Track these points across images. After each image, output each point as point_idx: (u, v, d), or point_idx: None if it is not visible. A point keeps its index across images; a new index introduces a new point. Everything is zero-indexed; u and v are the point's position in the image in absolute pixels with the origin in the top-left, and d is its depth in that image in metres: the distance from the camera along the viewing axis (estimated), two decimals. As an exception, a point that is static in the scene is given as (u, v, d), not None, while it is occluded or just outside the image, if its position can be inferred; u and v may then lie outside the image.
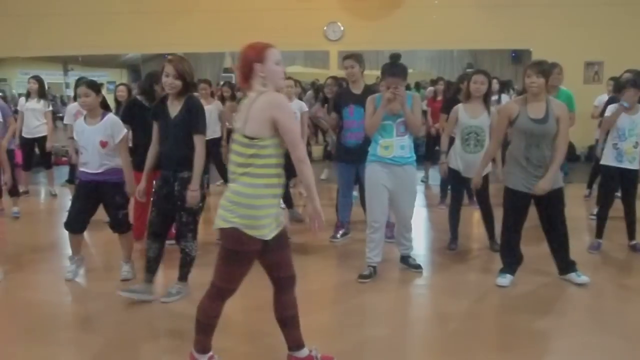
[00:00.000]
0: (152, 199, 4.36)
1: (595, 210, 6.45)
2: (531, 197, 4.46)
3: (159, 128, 4.29)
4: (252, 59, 2.89)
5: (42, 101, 7.88)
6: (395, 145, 4.60)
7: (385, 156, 4.61)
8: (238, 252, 2.90)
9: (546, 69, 4.42)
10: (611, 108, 5.41)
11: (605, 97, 7.60)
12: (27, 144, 7.97)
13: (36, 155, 8.40)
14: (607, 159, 5.36)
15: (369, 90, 5.46)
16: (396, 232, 5.04)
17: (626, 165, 5.27)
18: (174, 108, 4.17)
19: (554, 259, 4.70)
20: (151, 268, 4.30)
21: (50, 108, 8.17)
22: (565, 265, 4.65)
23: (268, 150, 2.81)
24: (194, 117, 4.15)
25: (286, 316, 3.13)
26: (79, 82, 4.72)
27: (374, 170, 4.67)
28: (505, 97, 8.71)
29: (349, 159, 5.50)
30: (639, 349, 3.59)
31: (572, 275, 4.61)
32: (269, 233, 2.89)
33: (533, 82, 4.30)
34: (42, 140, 7.94)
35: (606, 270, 5.12)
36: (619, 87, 5.44)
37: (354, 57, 5.51)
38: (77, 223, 4.70)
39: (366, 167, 4.75)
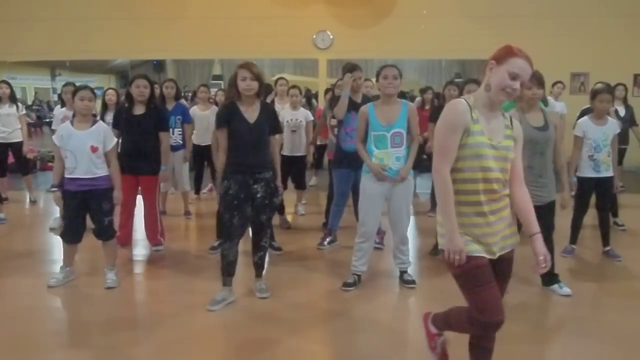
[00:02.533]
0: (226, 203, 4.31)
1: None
2: None
3: (232, 133, 4.29)
4: None
5: (14, 105, 7.69)
6: (391, 156, 4.55)
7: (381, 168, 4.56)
8: None
9: (543, 80, 4.48)
10: (581, 123, 5.43)
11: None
12: (2, 150, 7.71)
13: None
14: (584, 171, 5.44)
15: (367, 98, 5.59)
16: (393, 246, 4.90)
17: (603, 174, 5.39)
18: (252, 113, 4.28)
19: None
20: (232, 271, 4.41)
21: (24, 112, 8.02)
22: (549, 277, 4.68)
23: None
24: (272, 121, 4.43)
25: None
26: (81, 86, 4.72)
27: (369, 181, 4.62)
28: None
29: (348, 164, 5.47)
30: (623, 354, 3.63)
31: (555, 287, 4.66)
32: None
33: (535, 94, 4.37)
34: (17, 146, 7.72)
35: (585, 277, 5.16)
36: (592, 94, 5.44)
37: (360, 69, 5.62)
38: (73, 234, 4.72)
39: (362, 178, 4.72)
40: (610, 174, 5.44)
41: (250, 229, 4.54)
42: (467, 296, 2.65)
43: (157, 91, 6.83)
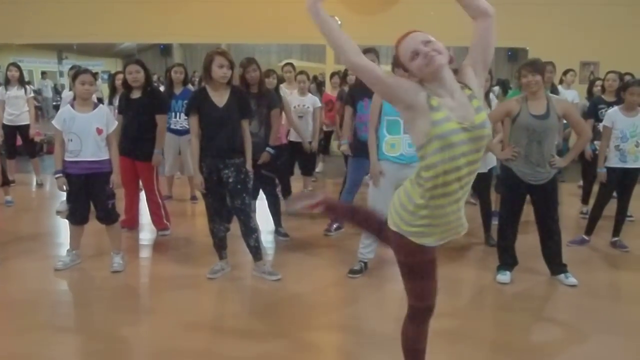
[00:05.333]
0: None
1: (585, 209, 6.51)
2: (527, 190, 4.50)
3: (202, 118, 4.39)
4: None
5: (23, 88, 7.77)
6: (403, 142, 4.46)
7: (391, 154, 4.49)
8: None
9: (539, 66, 4.44)
10: (611, 114, 5.42)
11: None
12: (10, 133, 7.78)
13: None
14: (611, 161, 5.40)
15: None
16: None
17: (630, 164, 5.35)
18: (221, 98, 4.37)
19: (545, 260, 4.72)
20: (224, 245, 4.71)
21: (32, 94, 8.10)
22: (557, 267, 4.67)
23: None
24: (242, 105, 4.49)
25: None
26: (80, 70, 4.71)
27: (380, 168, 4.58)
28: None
29: (363, 152, 5.42)
30: (632, 346, 3.62)
31: (562, 277, 4.64)
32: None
33: (530, 81, 4.32)
34: (24, 129, 7.82)
35: (595, 267, 5.13)
36: (623, 87, 5.45)
37: (374, 52, 5.42)
38: (79, 215, 4.76)
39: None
40: (638, 165, 5.37)
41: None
42: (409, 284, 2.56)
43: (171, 75, 6.83)
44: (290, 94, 6.93)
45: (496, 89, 8.98)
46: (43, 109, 15.95)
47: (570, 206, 7.00)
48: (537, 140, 4.36)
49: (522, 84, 4.43)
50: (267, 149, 5.35)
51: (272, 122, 5.42)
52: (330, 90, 8.72)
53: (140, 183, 5.75)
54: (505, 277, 4.61)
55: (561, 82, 8.22)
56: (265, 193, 5.66)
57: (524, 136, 4.40)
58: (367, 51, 5.43)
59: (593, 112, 6.29)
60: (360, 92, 5.41)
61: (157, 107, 5.52)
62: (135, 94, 5.48)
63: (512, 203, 4.62)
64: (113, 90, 7.61)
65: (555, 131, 4.51)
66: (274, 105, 5.44)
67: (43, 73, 17.20)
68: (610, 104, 6.00)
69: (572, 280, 4.59)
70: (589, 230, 5.61)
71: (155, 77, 8.51)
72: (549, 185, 4.49)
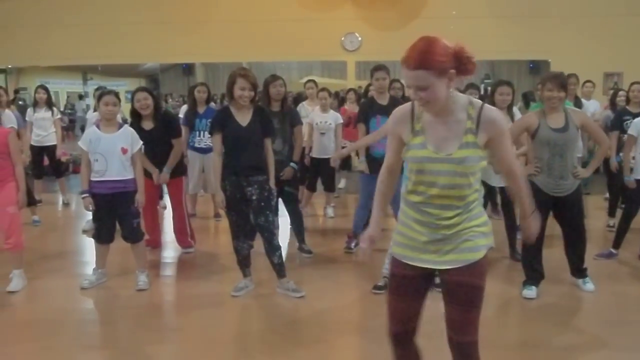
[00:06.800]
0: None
1: (612, 222, 6.41)
2: (552, 202, 4.46)
3: (226, 137, 4.43)
4: None
5: (50, 110, 7.92)
6: None
7: None
8: None
9: (565, 82, 4.45)
10: (637, 122, 5.35)
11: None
12: (37, 153, 7.92)
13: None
14: (637, 173, 5.32)
15: (395, 100, 5.45)
16: None
17: None
18: (244, 117, 4.40)
19: (568, 261, 4.73)
20: (248, 264, 4.72)
21: (59, 116, 8.25)
22: (577, 271, 4.71)
23: None
24: (265, 124, 4.53)
25: None
26: (105, 91, 4.78)
27: None
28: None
29: (375, 169, 5.40)
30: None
31: (580, 282, 4.69)
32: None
33: (554, 97, 4.32)
34: (51, 149, 7.96)
35: (623, 281, 5.04)
36: None
37: (386, 70, 5.46)
38: (105, 234, 4.81)
39: (403, 183, 4.62)
40: None
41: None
42: (479, 312, 2.46)
43: (194, 94, 6.87)
44: (312, 111, 6.95)
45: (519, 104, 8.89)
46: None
47: (597, 219, 6.90)
48: (559, 153, 4.35)
49: (544, 97, 4.41)
50: (291, 164, 5.37)
51: (295, 139, 5.45)
52: (347, 105, 8.72)
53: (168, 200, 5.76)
54: (531, 292, 4.55)
55: (581, 95, 8.13)
56: (288, 210, 5.67)
57: (545, 150, 4.38)
58: (378, 68, 5.47)
59: (618, 123, 6.19)
60: (372, 109, 5.42)
61: (173, 132, 5.53)
62: (147, 124, 5.37)
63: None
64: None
65: (575, 143, 4.50)
66: (296, 122, 5.48)
67: (81, 96, 17.42)
68: (635, 115, 5.89)
69: (589, 286, 4.63)
70: (617, 243, 5.51)
71: (179, 97, 8.59)
72: (574, 196, 4.47)
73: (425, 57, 2.14)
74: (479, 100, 2.33)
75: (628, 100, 6.43)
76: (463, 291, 2.36)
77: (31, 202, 6.81)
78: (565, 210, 4.53)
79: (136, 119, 5.40)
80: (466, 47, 2.19)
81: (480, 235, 2.34)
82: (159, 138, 5.40)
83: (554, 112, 4.38)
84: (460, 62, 2.17)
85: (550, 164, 4.37)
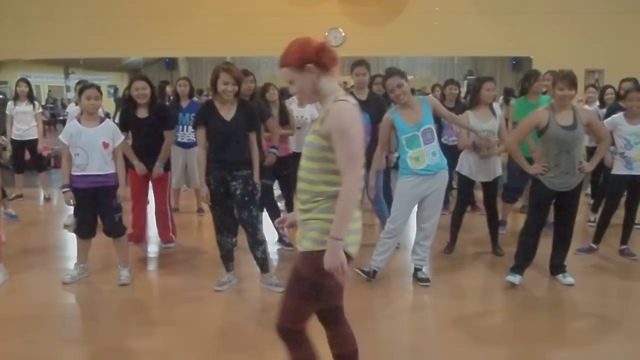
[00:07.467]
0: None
1: (593, 217, 6.48)
2: (554, 196, 4.58)
3: (210, 131, 4.42)
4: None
5: (31, 104, 7.87)
6: (426, 153, 4.53)
7: (417, 167, 4.53)
8: None
9: (576, 82, 4.50)
10: (609, 122, 5.45)
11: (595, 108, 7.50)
12: (18, 147, 7.90)
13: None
14: (617, 168, 5.41)
15: (374, 96, 5.47)
16: (414, 242, 4.87)
17: (636, 171, 5.34)
18: (228, 111, 4.39)
19: (550, 259, 4.85)
20: (231, 258, 4.73)
21: (40, 110, 8.18)
22: (557, 267, 4.83)
23: None
24: (250, 118, 4.50)
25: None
26: (86, 85, 4.74)
27: (408, 183, 4.59)
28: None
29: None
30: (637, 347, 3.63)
31: (560, 276, 4.80)
32: None
33: (566, 95, 4.40)
34: (32, 143, 7.91)
35: (603, 275, 5.13)
36: (623, 94, 5.51)
37: (366, 65, 5.44)
38: (86, 228, 4.78)
39: (398, 179, 4.68)
40: None
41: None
42: (300, 302, 2.59)
43: (170, 89, 6.84)
44: (290, 104, 6.94)
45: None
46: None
47: (578, 214, 6.96)
48: (566, 150, 4.43)
49: (556, 96, 4.48)
50: (271, 149, 5.36)
51: (271, 130, 5.42)
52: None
53: (151, 194, 5.76)
54: (515, 279, 4.66)
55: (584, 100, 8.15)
56: (264, 202, 5.51)
57: (554, 147, 4.46)
58: (357, 64, 5.47)
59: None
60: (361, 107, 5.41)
61: (166, 123, 5.53)
62: (142, 113, 5.39)
63: (539, 215, 4.67)
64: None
65: (582, 140, 4.64)
66: (266, 117, 5.36)
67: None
68: None
69: (569, 279, 4.75)
70: (597, 238, 5.59)
71: (169, 90, 8.51)
72: (575, 190, 4.58)
73: (285, 55, 2.52)
74: (348, 97, 2.42)
75: (618, 96, 6.49)
76: (292, 275, 2.56)
77: (3, 195, 6.75)
78: (565, 205, 4.64)
79: (131, 105, 5.41)
80: (327, 44, 2.51)
81: (324, 230, 2.37)
82: (151, 128, 5.41)
83: (563, 110, 4.45)
84: (319, 57, 2.44)
85: (558, 161, 4.45)
